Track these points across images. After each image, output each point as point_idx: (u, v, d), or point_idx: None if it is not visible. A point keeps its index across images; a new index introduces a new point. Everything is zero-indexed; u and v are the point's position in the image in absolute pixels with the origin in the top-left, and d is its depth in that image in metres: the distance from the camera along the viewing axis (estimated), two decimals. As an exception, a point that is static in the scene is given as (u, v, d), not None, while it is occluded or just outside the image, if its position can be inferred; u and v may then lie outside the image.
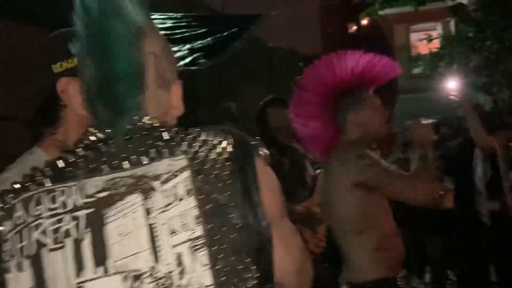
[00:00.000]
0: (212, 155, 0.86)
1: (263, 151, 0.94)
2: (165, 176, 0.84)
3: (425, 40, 6.31)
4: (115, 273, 0.81)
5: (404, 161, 5.12)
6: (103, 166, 0.86)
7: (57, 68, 1.28)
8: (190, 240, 0.82)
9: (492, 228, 3.96)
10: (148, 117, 0.90)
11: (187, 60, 3.42)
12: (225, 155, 0.87)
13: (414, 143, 2.23)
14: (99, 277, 0.81)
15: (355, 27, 38.06)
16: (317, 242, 3.41)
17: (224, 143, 0.88)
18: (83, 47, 0.91)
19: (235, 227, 0.83)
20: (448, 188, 4.72)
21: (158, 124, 0.90)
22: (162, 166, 0.85)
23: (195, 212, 0.82)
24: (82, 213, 0.84)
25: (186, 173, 0.84)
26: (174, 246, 0.82)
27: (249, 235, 0.84)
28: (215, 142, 0.88)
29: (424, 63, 6.42)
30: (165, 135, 0.88)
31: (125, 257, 0.82)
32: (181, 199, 0.83)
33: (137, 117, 0.90)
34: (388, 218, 2.12)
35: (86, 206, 0.84)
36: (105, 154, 0.88)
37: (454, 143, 4.45)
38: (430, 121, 2.15)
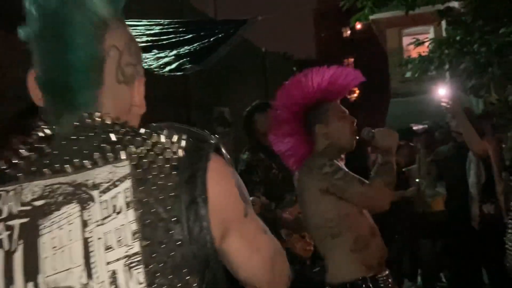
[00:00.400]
0: (159, 162, 0.81)
1: (222, 151, 0.89)
2: (105, 185, 0.79)
3: (413, 44, 6.35)
4: None
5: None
6: (45, 169, 0.82)
7: None
8: (126, 257, 0.77)
9: (485, 231, 3.97)
10: (99, 114, 0.85)
11: (173, 66, 3.43)
12: (174, 162, 0.81)
13: (378, 150, 2.32)
14: None
15: (349, 32, 38.17)
16: (305, 246, 3.42)
17: (175, 147, 0.82)
18: (37, 32, 0.85)
19: (175, 243, 0.78)
20: (439, 192, 4.73)
21: (109, 122, 0.85)
22: (104, 173, 0.80)
23: (134, 227, 0.77)
24: (16, 222, 0.79)
25: (128, 183, 0.79)
26: (109, 263, 0.77)
27: (192, 250, 0.79)
28: (166, 145, 0.82)
29: (415, 67, 6.45)
30: (113, 137, 0.83)
31: (57, 273, 0.77)
32: (119, 212, 0.78)
33: (87, 113, 0.85)
34: (363, 219, 2.18)
35: (21, 214, 0.79)
36: (48, 155, 0.83)
37: (446, 147, 4.46)
38: (392, 131, 2.25)
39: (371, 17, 12.08)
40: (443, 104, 3.71)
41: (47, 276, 0.77)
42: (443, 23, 6.80)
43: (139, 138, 0.83)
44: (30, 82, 0.89)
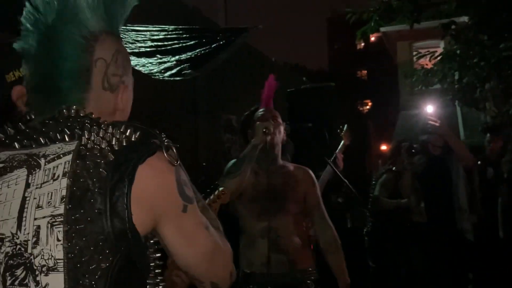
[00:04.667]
0: (102, 145, 0.92)
1: (173, 152, 0.98)
2: (52, 157, 0.93)
3: (415, 56, 6.42)
4: None
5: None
6: (15, 143, 0.98)
7: (10, 77, 1.37)
8: (51, 216, 0.89)
9: (473, 242, 4.03)
10: (76, 108, 0.97)
11: (174, 70, 3.56)
12: (115, 147, 0.92)
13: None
14: None
15: (363, 44, 38.17)
16: None
17: (121, 137, 0.93)
18: (33, 44, 0.99)
19: (95, 211, 0.88)
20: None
21: (83, 114, 0.97)
22: (54, 148, 0.94)
23: (63, 192, 0.89)
24: None
25: (69, 157, 0.92)
26: (36, 219, 0.90)
27: (111, 221, 0.89)
28: (116, 135, 0.93)
29: (418, 79, 6.52)
30: (75, 124, 0.96)
31: None
32: (55, 179, 0.91)
33: (66, 106, 0.97)
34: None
35: None
36: (22, 133, 0.99)
37: (422, 159, 4.45)
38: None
39: (382, 30, 12.15)
40: (431, 122, 3.76)
41: None
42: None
43: (95, 127, 0.94)
44: (14, 93, 1.01)
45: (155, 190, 0.95)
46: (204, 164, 5.52)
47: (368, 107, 38.69)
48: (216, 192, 2.24)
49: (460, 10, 6.03)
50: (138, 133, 0.94)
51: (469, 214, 3.97)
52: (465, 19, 6.35)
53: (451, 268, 4.03)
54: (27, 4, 1.00)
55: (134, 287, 0.95)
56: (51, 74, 0.99)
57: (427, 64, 6.90)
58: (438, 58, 6.43)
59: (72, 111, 0.97)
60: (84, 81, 0.99)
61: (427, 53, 6.46)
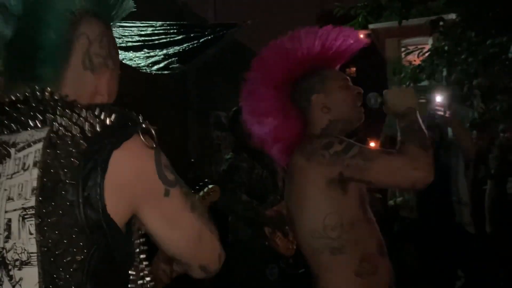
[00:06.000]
0: (74, 131, 0.88)
1: (152, 134, 0.94)
2: (21, 145, 0.90)
3: (403, 53, 6.45)
4: None
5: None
6: None
7: None
8: (22, 208, 0.86)
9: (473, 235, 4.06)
10: (50, 90, 0.93)
11: (161, 64, 3.55)
12: (88, 134, 0.88)
13: (389, 112, 1.84)
14: None
15: (352, 41, 38.16)
16: (288, 245, 3.50)
17: (95, 122, 0.89)
18: (17, 6, 0.95)
19: (67, 203, 0.86)
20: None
21: (58, 97, 0.93)
22: (25, 135, 0.91)
23: (34, 183, 0.87)
24: None
25: (39, 145, 0.88)
26: (7, 211, 0.87)
27: (85, 212, 0.86)
28: (89, 119, 0.90)
29: (406, 75, 6.57)
30: (47, 108, 0.91)
31: None
32: (26, 169, 0.88)
33: (39, 88, 0.93)
34: (372, 230, 1.71)
35: None
36: None
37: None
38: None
39: (370, 27, 12.18)
40: (439, 112, 3.78)
41: None
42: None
43: (68, 111, 0.90)
44: None
45: (133, 176, 0.92)
46: (192, 160, 5.50)
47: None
48: (206, 189, 2.21)
49: (448, 7, 6.07)
50: (113, 116, 0.90)
51: (469, 206, 4.00)
52: (453, 16, 6.39)
53: (444, 264, 4.05)
54: None
55: (114, 278, 0.92)
56: (29, 42, 0.94)
57: (415, 61, 6.95)
58: (426, 54, 6.47)
59: (46, 93, 0.93)
60: (63, 54, 0.95)
61: (415, 49, 6.50)
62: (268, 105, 1.82)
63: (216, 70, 6.04)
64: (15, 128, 0.91)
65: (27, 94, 0.93)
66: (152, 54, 3.48)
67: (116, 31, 3.79)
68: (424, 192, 4.21)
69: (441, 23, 5.69)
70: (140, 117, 0.94)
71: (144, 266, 0.99)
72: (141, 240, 0.99)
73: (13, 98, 0.94)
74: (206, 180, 2.20)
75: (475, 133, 5.06)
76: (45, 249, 0.85)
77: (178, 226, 1.00)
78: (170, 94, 7.82)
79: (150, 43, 3.64)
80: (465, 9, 5.47)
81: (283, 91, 1.83)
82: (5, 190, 0.88)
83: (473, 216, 4.05)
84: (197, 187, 2.21)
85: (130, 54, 3.44)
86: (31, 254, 0.85)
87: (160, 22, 4.24)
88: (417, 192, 4.19)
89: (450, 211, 4.03)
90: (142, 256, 0.99)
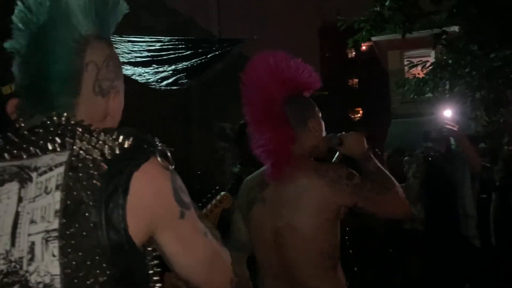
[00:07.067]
0: (94, 155, 0.90)
1: (168, 157, 0.96)
2: (43, 169, 0.91)
3: (407, 66, 6.51)
4: None
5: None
6: (5, 154, 0.95)
7: (6, 90, 1.40)
8: (45, 231, 0.87)
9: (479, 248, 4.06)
10: (67, 115, 0.95)
11: (170, 80, 3.59)
12: (108, 156, 0.90)
13: (345, 153, 2.00)
14: None
15: (354, 53, 38.43)
16: None
17: (114, 145, 0.91)
18: (24, 44, 0.97)
19: (90, 225, 0.86)
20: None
21: (73, 122, 0.95)
22: (46, 159, 0.92)
23: (57, 206, 0.87)
24: None
25: (61, 169, 0.89)
26: (30, 234, 0.88)
27: (107, 234, 0.87)
28: (108, 142, 0.91)
29: (410, 88, 6.60)
30: (66, 132, 0.93)
31: None
32: (48, 193, 0.89)
33: (56, 113, 0.95)
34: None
35: None
36: (12, 143, 0.96)
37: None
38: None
39: (373, 39, 12.28)
40: (448, 126, 3.82)
41: None
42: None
43: (87, 135, 0.92)
44: (10, 106, 1.02)
45: (151, 198, 0.93)
46: (199, 172, 5.52)
47: (359, 115, 38.89)
48: (218, 197, 2.23)
49: (451, 20, 6.13)
50: (131, 139, 0.92)
51: (475, 219, 4.01)
52: (455, 29, 6.45)
53: (450, 276, 4.05)
54: (19, 3, 0.98)
55: None
56: (40, 77, 0.97)
57: (418, 74, 6.99)
58: (430, 68, 6.51)
59: (63, 118, 0.95)
60: (74, 85, 0.98)
61: (419, 62, 6.54)
62: (265, 112, 1.83)
63: (219, 81, 6.09)
64: (33, 152, 0.93)
65: (44, 119, 0.96)
66: (161, 69, 3.53)
67: (125, 46, 3.84)
68: (432, 205, 4.25)
69: (444, 36, 5.74)
70: (156, 139, 0.96)
71: (156, 282, 0.99)
72: (154, 262, 0.99)
73: (31, 124, 0.96)
74: (217, 187, 2.21)
75: (479, 146, 5.08)
76: (68, 271, 0.86)
77: (192, 250, 1.01)
78: (174, 105, 7.89)
79: (159, 58, 3.69)
80: (468, 22, 5.52)
81: (276, 103, 1.83)
82: (28, 213, 0.89)
83: (479, 229, 4.06)
84: (209, 195, 2.22)
85: (140, 70, 3.49)
86: (54, 276, 0.86)
87: (168, 38, 4.30)
88: (424, 206, 4.21)
89: (456, 224, 4.04)
90: (155, 278, 0.99)
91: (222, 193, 2.13)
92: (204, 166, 8.03)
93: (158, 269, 1.00)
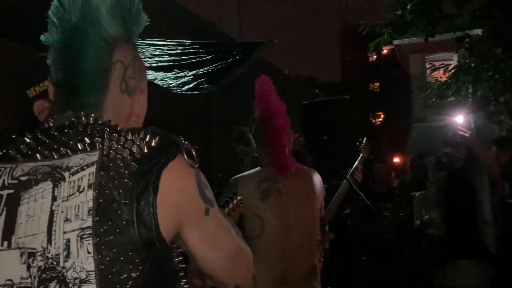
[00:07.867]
0: (124, 154, 0.93)
1: (193, 155, 0.99)
2: (75, 169, 0.94)
3: (429, 69, 6.43)
4: (15, 248, 0.93)
5: None
6: (37, 154, 0.98)
7: (31, 92, 1.42)
8: (80, 229, 0.90)
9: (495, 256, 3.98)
10: (94, 115, 0.99)
11: (191, 85, 3.62)
12: (137, 155, 0.93)
13: None
14: (2, 250, 0.93)
15: (375, 56, 38.19)
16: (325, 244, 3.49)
17: (142, 144, 0.94)
18: (57, 40, 1.02)
19: (122, 222, 0.90)
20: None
21: (101, 122, 0.98)
22: (77, 159, 0.95)
23: (90, 204, 0.90)
24: (5, 192, 0.96)
25: (93, 168, 0.93)
26: (65, 232, 0.91)
27: (138, 231, 0.90)
28: (136, 142, 0.94)
29: (432, 92, 6.52)
30: (95, 132, 0.96)
31: (26, 236, 0.93)
32: (81, 191, 0.92)
33: (85, 113, 0.99)
34: None
35: (9, 186, 0.96)
36: (43, 143, 0.99)
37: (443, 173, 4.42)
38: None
39: (394, 42, 12.20)
40: (460, 131, 3.74)
41: (19, 238, 0.93)
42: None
43: (115, 135, 0.95)
44: (36, 107, 1.05)
45: (178, 195, 0.96)
46: (219, 176, 5.57)
47: (380, 119, 38.56)
48: (235, 201, 2.25)
49: (474, 23, 6.04)
50: (157, 138, 0.95)
51: (493, 227, 3.93)
52: (478, 32, 6.36)
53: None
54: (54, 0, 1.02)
55: None
56: (72, 73, 1.01)
57: (441, 77, 6.90)
58: (452, 71, 6.43)
59: (91, 119, 0.98)
60: (102, 83, 1.01)
61: (441, 65, 6.45)
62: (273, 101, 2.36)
63: (238, 84, 6.13)
64: (64, 152, 0.96)
65: (73, 119, 0.99)
66: (182, 74, 3.55)
67: (147, 50, 3.89)
68: (450, 211, 4.19)
69: (466, 39, 5.67)
70: (181, 138, 0.99)
71: (183, 283, 1.02)
72: (179, 258, 1.01)
73: (60, 124, 0.99)
74: (235, 191, 2.24)
75: (494, 150, 4.95)
76: (103, 267, 0.89)
77: (217, 245, 1.04)
78: (193, 109, 7.95)
79: (180, 63, 3.72)
80: (491, 25, 5.44)
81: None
82: (62, 212, 0.92)
83: (497, 237, 3.98)
84: (226, 199, 2.25)
85: (161, 74, 3.52)
86: (89, 272, 0.89)
87: (189, 41, 4.33)
88: (442, 211, 4.15)
89: (474, 230, 3.97)
90: (181, 274, 1.01)
91: (239, 197, 2.15)
92: (224, 169, 8.07)
93: (183, 265, 1.02)
